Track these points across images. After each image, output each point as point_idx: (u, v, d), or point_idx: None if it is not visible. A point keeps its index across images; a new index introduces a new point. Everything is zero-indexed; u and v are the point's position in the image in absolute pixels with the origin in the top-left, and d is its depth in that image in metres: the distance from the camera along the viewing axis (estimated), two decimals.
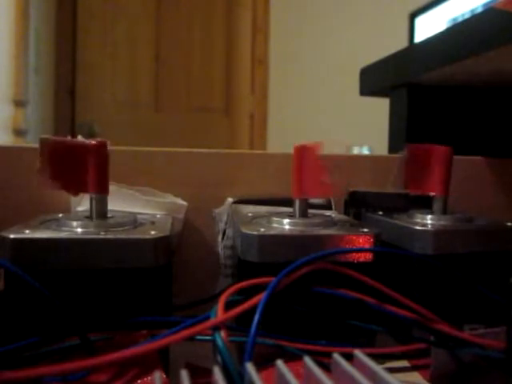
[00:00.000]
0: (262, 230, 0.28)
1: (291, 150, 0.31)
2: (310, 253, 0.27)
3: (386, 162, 0.42)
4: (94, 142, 0.29)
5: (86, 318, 0.24)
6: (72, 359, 0.18)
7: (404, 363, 0.28)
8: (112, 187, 0.30)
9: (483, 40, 0.38)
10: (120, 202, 0.33)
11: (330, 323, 0.28)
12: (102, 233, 0.26)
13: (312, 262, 0.27)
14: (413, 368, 0.27)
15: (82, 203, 0.34)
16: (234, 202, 0.37)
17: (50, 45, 1.67)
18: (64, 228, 0.28)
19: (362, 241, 0.29)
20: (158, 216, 0.33)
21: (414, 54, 0.49)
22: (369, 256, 0.29)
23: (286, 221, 0.30)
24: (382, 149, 0.63)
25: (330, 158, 0.41)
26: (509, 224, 0.33)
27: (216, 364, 0.19)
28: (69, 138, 0.29)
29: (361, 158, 0.42)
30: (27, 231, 0.26)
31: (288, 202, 0.33)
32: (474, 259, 0.32)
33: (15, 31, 1.35)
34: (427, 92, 0.52)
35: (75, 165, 0.28)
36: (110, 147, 0.29)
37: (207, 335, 0.22)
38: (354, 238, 0.29)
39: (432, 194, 0.35)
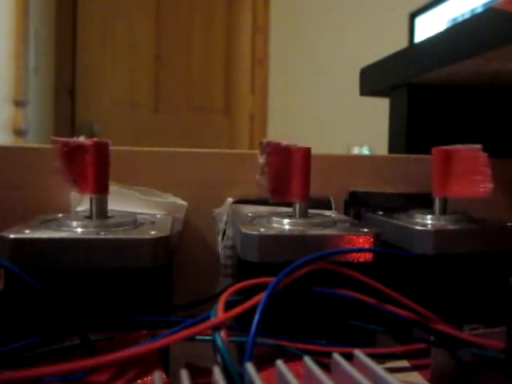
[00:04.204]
0: (262, 229, 0.28)
1: None
2: (309, 253, 0.27)
3: (386, 162, 0.42)
4: (93, 142, 0.29)
5: (86, 317, 0.24)
6: (72, 359, 0.18)
7: (404, 363, 0.28)
8: (112, 187, 0.30)
9: (483, 40, 0.38)
10: (120, 202, 0.33)
11: (330, 323, 0.28)
12: (102, 233, 0.26)
13: (312, 261, 0.27)
14: (413, 368, 0.27)
15: (82, 203, 0.34)
16: (234, 202, 0.37)
17: (50, 45, 1.67)
18: (64, 228, 0.28)
19: (362, 241, 0.29)
20: (158, 216, 0.33)
21: (414, 54, 0.49)
22: (369, 256, 0.29)
23: (285, 221, 0.30)
24: (382, 149, 0.63)
25: (330, 158, 0.41)
26: (509, 224, 0.33)
27: (216, 364, 0.19)
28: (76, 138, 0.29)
29: (361, 158, 0.42)
30: (27, 231, 0.26)
31: (288, 202, 0.33)
32: (474, 259, 0.32)
33: (15, 31, 1.35)
34: (427, 92, 0.52)
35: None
36: (110, 147, 0.29)
37: (207, 335, 0.22)
38: (354, 237, 0.29)
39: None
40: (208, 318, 0.22)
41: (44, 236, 0.25)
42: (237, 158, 0.39)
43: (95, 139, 0.29)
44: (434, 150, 0.34)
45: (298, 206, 0.31)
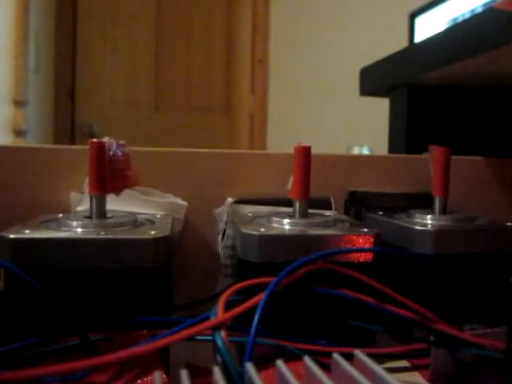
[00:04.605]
0: (262, 229, 0.28)
1: (291, 150, 0.31)
2: (309, 253, 0.27)
3: (386, 162, 0.42)
4: (92, 142, 0.29)
5: (86, 318, 0.24)
6: (72, 359, 0.18)
7: (404, 363, 0.28)
8: None
9: (483, 40, 0.38)
10: (120, 202, 0.33)
11: (330, 323, 0.28)
12: (102, 233, 0.26)
13: (312, 261, 0.27)
14: (413, 368, 0.27)
15: (82, 203, 0.34)
16: (234, 202, 0.37)
17: (50, 45, 1.67)
18: (64, 228, 0.28)
19: (361, 241, 0.29)
20: (158, 216, 0.33)
21: (414, 54, 0.49)
22: (369, 256, 0.29)
23: (286, 221, 0.30)
24: (382, 149, 0.63)
25: (330, 158, 0.41)
26: (509, 224, 0.33)
27: (216, 364, 0.19)
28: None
29: (361, 158, 0.42)
30: (27, 231, 0.26)
31: (288, 202, 0.33)
32: (474, 259, 0.32)
33: (15, 31, 1.35)
34: (427, 92, 0.52)
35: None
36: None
37: (207, 335, 0.22)
38: (354, 237, 0.29)
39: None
40: (208, 318, 0.22)
41: (44, 236, 0.25)
42: (237, 158, 0.39)
43: (95, 139, 0.29)
44: (432, 148, 0.34)
45: (298, 206, 0.31)
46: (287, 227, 0.30)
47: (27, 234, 0.25)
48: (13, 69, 1.34)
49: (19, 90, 1.36)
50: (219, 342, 0.20)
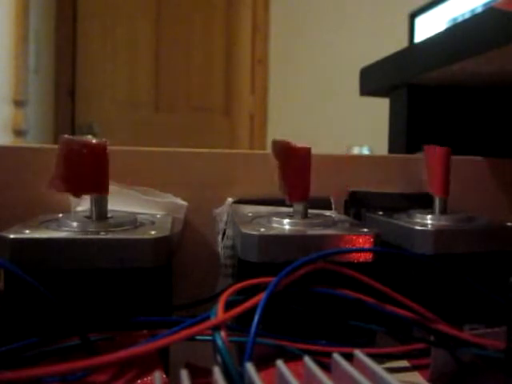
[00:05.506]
0: (262, 229, 0.28)
1: None
2: (309, 253, 0.27)
3: (386, 162, 0.42)
4: (92, 142, 0.28)
5: (86, 318, 0.24)
6: (72, 359, 0.18)
7: (404, 363, 0.28)
8: (112, 187, 0.30)
9: (483, 40, 0.38)
10: (120, 202, 0.33)
11: (330, 323, 0.28)
12: (102, 233, 0.26)
13: (312, 261, 0.27)
14: (413, 368, 0.27)
15: (82, 203, 0.34)
16: (234, 202, 0.37)
17: (50, 45, 1.67)
18: (64, 228, 0.28)
19: (361, 241, 0.29)
20: (158, 216, 0.33)
21: (414, 54, 0.49)
22: (369, 256, 0.29)
23: (286, 221, 0.30)
24: (382, 149, 0.63)
25: (330, 158, 0.41)
26: (509, 224, 0.33)
27: (216, 364, 0.19)
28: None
29: (361, 158, 0.42)
30: (27, 231, 0.26)
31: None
32: (474, 259, 0.32)
33: (15, 31, 1.35)
34: (427, 92, 0.52)
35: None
36: (110, 147, 0.29)
37: (207, 335, 0.22)
38: (354, 237, 0.29)
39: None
40: (208, 317, 0.22)
41: (44, 236, 0.25)
42: (237, 158, 0.39)
43: (94, 139, 0.29)
44: (427, 148, 0.34)
45: (298, 206, 0.31)
46: (287, 227, 0.30)
47: (27, 233, 0.25)
48: (13, 69, 1.34)
49: (19, 90, 1.36)
50: (219, 342, 0.20)
